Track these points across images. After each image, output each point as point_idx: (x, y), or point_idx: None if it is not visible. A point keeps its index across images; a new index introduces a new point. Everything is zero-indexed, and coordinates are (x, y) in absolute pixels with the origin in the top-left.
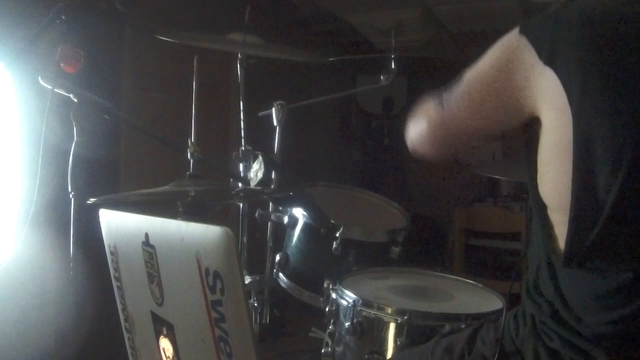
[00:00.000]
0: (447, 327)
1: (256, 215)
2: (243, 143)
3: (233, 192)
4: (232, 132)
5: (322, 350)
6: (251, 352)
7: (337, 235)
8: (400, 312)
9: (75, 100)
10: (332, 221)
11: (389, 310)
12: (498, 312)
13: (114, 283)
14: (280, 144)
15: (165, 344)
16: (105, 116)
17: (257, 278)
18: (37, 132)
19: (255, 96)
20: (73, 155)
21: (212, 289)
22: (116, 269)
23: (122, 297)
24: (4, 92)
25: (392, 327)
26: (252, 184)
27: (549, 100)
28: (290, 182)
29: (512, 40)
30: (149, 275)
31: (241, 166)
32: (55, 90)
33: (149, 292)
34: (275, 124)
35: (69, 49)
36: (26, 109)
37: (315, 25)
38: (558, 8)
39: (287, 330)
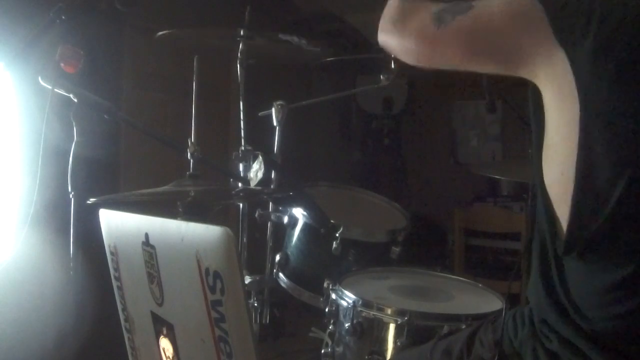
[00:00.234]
0: (446, 328)
1: (256, 215)
2: (243, 143)
3: (233, 192)
4: (232, 132)
5: (322, 351)
6: (251, 352)
7: (337, 235)
8: (400, 313)
9: (75, 100)
10: (332, 221)
11: (389, 311)
12: (498, 312)
13: (114, 283)
14: (280, 144)
15: (165, 344)
16: (105, 116)
17: (257, 278)
18: (37, 132)
19: (255, 96)
20: (73, 155)
21: (212, 289)
22: (116, 269)
23: (122, 297)
24: (4, 92)
25: (392, 327)
26: (252, 184)
27: (554, 81)
28: (290, 182)
29: (530, 5)
30: (149, 275)
31: (241, 166)
32: (55, 90)
33: (149, 292)
34: (275, 124)
35: (69, 49)
36: (26, 109)
37: (315, 25)
38: None
39: (287, 330)
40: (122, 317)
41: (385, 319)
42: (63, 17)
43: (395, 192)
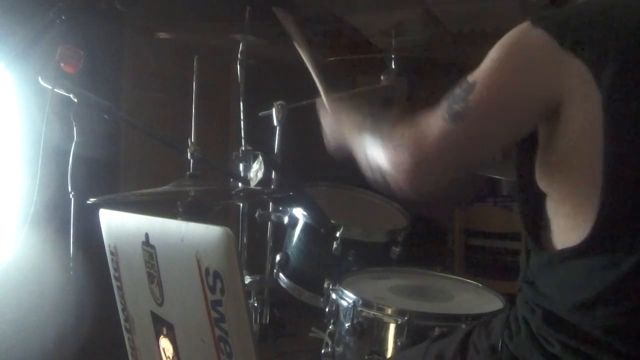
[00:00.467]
0: (437, 330)
1: (256, 215)
2: (243, 143)
3: (233, 192)
4: (232, 132)
5: (322, 351)
6: (251, 352)
7: (337, 235)
8: (400, 313)
9: (75, 100)
10: (332, 221)
11: (389, 311)
12: (498, 313)
13: (114, 283)
14: (280, 144)
15: (165, 344)
16: (105, 116)
17: (257, 278)
18: (37, 132)
19: (255, 96)
20: (73, 155)
21: (212, 289)
22: (116, 269)
23: (122, 297)
24: (4, 92)
25: (392, 327)
26: (252, 184)
27: (573, 87)
28: (290, 182)
29: (528, 35)
30: (149, 275)
31: (241, 166)
32: (55, 90)
33: (149, 292)
34: (275, 124)
35: (69, 49)
36: (26, 109)
37: (315, 25)
38: (576, 6)
39: (287, 330)
40: (122, 317)
41: (385, 319)
42: (63, 17)
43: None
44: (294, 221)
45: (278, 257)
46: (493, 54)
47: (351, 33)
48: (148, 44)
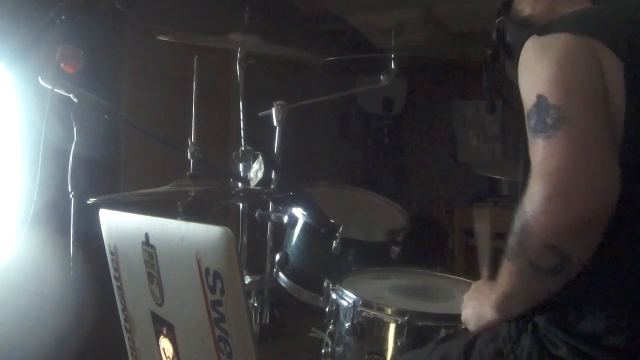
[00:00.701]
0: (443, 332)
1: (256, 215)
2: (243, 143)
3: (233, 192)
4: (232, 132)
5: (322, 351)
6: (251, 352)
7: (337, 235)
8: (400, 313)
9: (75, 100)
10: (332, 221)
11: (389, 311)
12: None
13: (114, 283)
14: (280, 144)
15: (165, 344)
16: (105, 116)
17: (257, 278)
18: (37, 132)
19: (255, 96)
20: (73, 155)
21: (212, 289)
22: (116, 269)
23: (122, 297)
24: (4, 92)
25: (392, 327)
26: (252, 184)
27: (606, 67)
28: (290, 182)
29: (542, 43)
30: (149, 275)
31: (241, 166)
32: (55, 90)
33: (149, 292)
34: (275, 124)
35: (69, 49)
36: (26, 109)
37: (315, 25)
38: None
39: (287, 330)
40: (122, 317)
41: (385, 319)
42: (63, 17)
43: (395, 192)
44: (293, 221)
45: (278, 257)
46: (530, 69)
47: (351, 33)
48: (148, 44)
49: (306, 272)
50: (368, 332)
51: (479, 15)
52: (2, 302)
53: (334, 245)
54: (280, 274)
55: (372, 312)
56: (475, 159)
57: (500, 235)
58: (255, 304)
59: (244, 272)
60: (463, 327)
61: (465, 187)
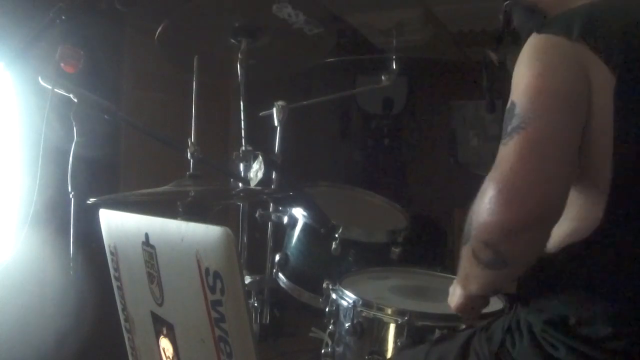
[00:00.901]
0: (437, 333)
1: (256, 215)
2: (243, 143)
3: (233, 192)
4: (232, 132)
5: (322, 351)
6: (251, 352)
7: (337, 235)
8: (400, 313)
9: (75, 100)
10: (332, 221)
11: (389, 311)
12: (499, 312)
13: (114, 283)
14: (281, 144)
15: (165, 344)
16: (105, 116)
17: (257, 278)
18: (37, 132)
19: (256, 96)
20: (73, 155)
21: (212, 289)
22: (116, 269)
23: (122, 297)
24: (4, 92)
25: (392, 327)
26: (252, 184)
27: (593, 74)
28: (290, 182)
29: (539, 43)
30: (149, 275)
31: (241, 166)
32: (55, 90)
33: (149, 292)
34: (276, 124)
35: (69, 49)
36: (26, 109)
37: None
38: (577, 9)
39: (287, 330)
40: (122, 317)
41: (385, 319)
42: (63, 17)
43: (395, 192)
44: (293, 221)
45: (278, 257)
46: (520, 71)
47: (351, 33)
48: (148, 44)
49: (306, 272)
50: (368, 332)
51: (479, 15)
52: (2, 302)
53: (333, 245)
54: (280, 275)
55: (372, 312)
56: (475, 159)
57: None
58: (255, 304)
59: (244, 272)
60: (462, 327)
61: (465, 187)
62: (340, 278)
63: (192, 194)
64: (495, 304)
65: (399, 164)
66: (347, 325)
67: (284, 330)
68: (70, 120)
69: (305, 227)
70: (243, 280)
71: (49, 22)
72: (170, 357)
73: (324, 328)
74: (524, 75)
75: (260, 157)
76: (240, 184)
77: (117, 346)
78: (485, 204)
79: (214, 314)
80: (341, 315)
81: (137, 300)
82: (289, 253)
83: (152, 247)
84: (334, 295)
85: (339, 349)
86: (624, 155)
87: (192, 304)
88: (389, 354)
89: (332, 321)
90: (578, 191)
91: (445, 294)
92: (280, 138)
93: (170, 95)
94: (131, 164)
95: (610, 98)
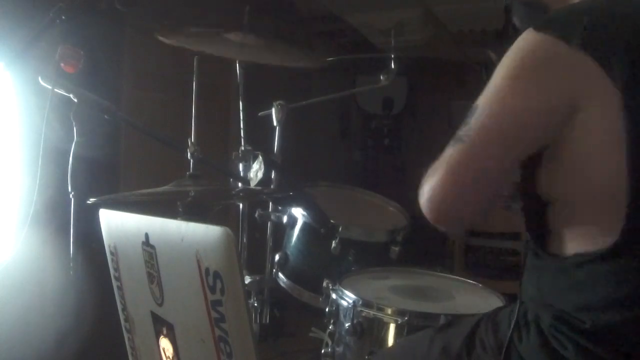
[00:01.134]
0: (443, 319)
1: (256, 215)
2: (243, 143)
3: (233, 192)
4: (232, 132)
5: (322, 351)
6: (251, 352)
7: (337, 235)
8: (400, 313)
9: (75, 100)
10: (332, 221)
11: (389, 311)
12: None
13: (114, 283)
14: (280, 144)
15: (165, 344)
16: (105, 116)
17: (257, 278)
18: (37, 132)
19: (255, 96)
20: (73, 155)
21: (212, 289)
22: (116, 269)
23: (122, 297)
24: (4, 92)
25: (392, 327)
26: (252, 184)
27: (589, 88)
28: (290, 182)
29: (533, 43)
30: (149, 275)
31: (241, 166)
32: (55, 90)
33: (149, 292)
34: (275, 124)
35: (69, 49)
36: (26, 109)
37: (315, 25)
38: (578, 6)
39: (287, 330)
40: (122, 317)
41: (385, 319)
42: (63, 17)
43: (395, 192)
44: (293, 221)
45: (277, 257)
46: (499, 70)
47: (351, 33)
48: (148, 44)
49: (306, 272)
50: (368, 332)
51: (479, 15)
52: (2, 302)
53: (333, 245)
54: (280, 275)
55: (372, 312)
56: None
57: (500, 235)
58: (255, 304)
59: (244, 272)
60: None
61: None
62: (340, 278)
63: (192, 194)
64: (495, 303)
65: (399, 164)
66: (347, 325)
67: (284, 330)
68: (70, 120)
69: (305, 226)
70: (243, 280)
71: (49, 22)
72: (170, 357)
73: (324, 328)
74: (500, 77)
75: (260, 157)
76: (240, 184)
77: (117, 346)
78: (421, 198)
79: (214, 314)
80: (341, 315)
81: (137, 300)
82: (288, 253)
83: (152, 247)
84: (334, 295)
85: (339, 349)
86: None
87: (192, 304)
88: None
89: (332, 321)
90: (595, 204)
91: (445, 294)
92: (279, 138)
93: (170, 95)
94: (131, 164)
95: (615, 113)
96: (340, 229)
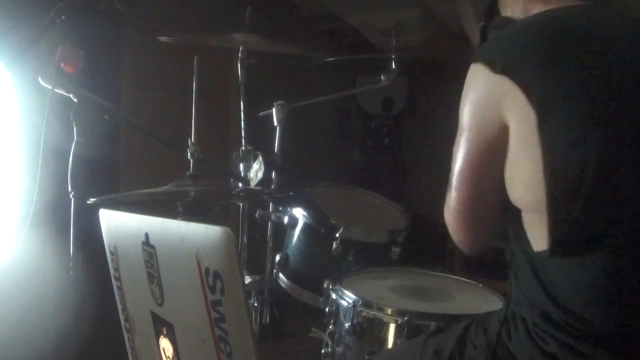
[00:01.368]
0: (434, 325)
1: (256, 215)
2: (243, 143)
3: (233, 192)
4: (232, 132)
5: (322, 351)
6: (251, 352)
7: (337, 235)
8: (400, 313)
9: (75, 100)
10: (332, 221)
11: (389, 311)
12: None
13: (114, 283)
14: (281, 144)
15: (165, 344)
16: (105, 116)
17: (257, 278)
18: (37, 132)
19: (256, 96)
20: (73, 155)
21: (212, 289)
22: (116, 269)
23: (122, 297)
24: (4, 92)
25: (392, 327)
26: (252, 184)
27: (511, 104)
28: (290, 182)
29: (472, 73)
30: (149, 275)
31: (241, 166)
32: (55, 90)
33: (149, 292)
34: (275, 124)
35: (69, 49)
36: (26, 109)
37: (315, 25)
38: (503, 31)
39: (287, 330)
40: (122, 317)
41: (385, 319)
42: (63, 17)
43: (395, 192)
44: (293, 221)
45: (278, 257)
46: (461, 100)
47: (351, 33)
48: (148, 44)
49: (306, 272)
50: (368, 332)
51: (479, 16)
52: (2, 302)
53: (334, 245)
54: (281, 275)
55: (372, 312)
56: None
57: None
58: (255, 304)
59: (244, 272)
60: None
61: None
62: (340, 278)
63: (192, 194)
64: (495, 304)
65: (399, 164)
66: (347, 325)
67: (284, 330)
68: (70, 120)
69: (306, 227)
70: (243, 280)
71: (49, 22)
72: (170, 357)
73: (324, 328)
74: (461, 111)
75: (260, 157)
76: (240, 184)
77: (117, 346)
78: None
79: (214, 314)
80: (341, 315)
81: (137, 300)
82: (289, 253)
83: (152, 247)
84: (334, 295)
85: (339, 349)
86: (557, 188)
87: (192, 304)
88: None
89: (332, 321)
90: (529, 212)
91: (445, 294)
92: (280, 138)
93: (170, 95)
94: (131, 164)
95: (532, 129)
96: (340, 229)
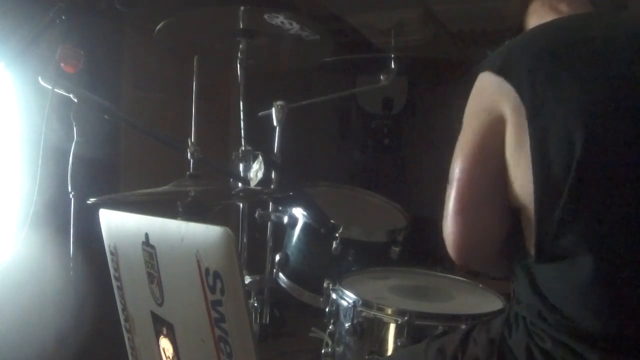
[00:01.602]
0: (440, 329)
1: (256, 215)
2: (243, 143)
3: (233, 192)
4: (232, 132)
5: (322, 351)
6: (251, 352)
7: (337, 235)
8: (400, 313)
9: (75, 100)
10: (332, 221)
11: (389, 311)
12: (499, 312)
13: (114, 283)
14: (280, 144)
15: (165, 344)
16: (105, 116)
17: (257, 278)
18: (37, 132)
19: (255, 96)
20: (73, 155)
21: (212, 289)
22: (116, 269)
23: (122, 297)
24: (4, 92)
25: (392, 327)
26: (252, 184)
27: (507, 104)
28: (290, 182)
29: (479, 80)
30: (149, 275)
31: (241, 166)
32: (55, 90)
33: (149, 292)
34: (275, 124)
35: (69, 49)
36: (26, 109)
37: (315, 25)
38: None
39: (287, 330)
40: (122, 317)
41: (385, 319)
42: (63, 17)
43: (395, 192)
44: (293, 221)
45: (278, 257)
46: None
47: (351, 33)
48: (148, 44)
49: (306, 272)
50: (368, 332)
51: (479, 15)
52: (2, 302)
53: (334, 245)
54: (281, 275)
55: (372, 312)
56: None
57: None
58: (255, 304)
59: (244, 272)
60: (462, 327)
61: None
62: (340, 278)
63: (192, 194)
64: (495, 304)
65: (399, 164)
66: (347, 325)
67: (284, 330)
68: (70, 120)
69: (305, 226)
70: (243, 280)
71: (49, 22)
72: (170, 357)
73: (324, 328)
74: (465, 111)
75: (260, 157)
76: (240, 184)
77: (117, 346)
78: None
79: (214, 314)
80: (341, 315)
81: (137, 300)
82: (289, 253)
83: (152, 247)
84: (334, 295)
85: (339, 349)
86: (545, 189)
87: (192, 304)
88: (389, 354)
89: (332, 321)
90: (519, 212)
91: (445, 294)
92: (279, 138)
93: (170, 95)
94: (131, 164)
95: (524, 128)
96: (340, 229)
